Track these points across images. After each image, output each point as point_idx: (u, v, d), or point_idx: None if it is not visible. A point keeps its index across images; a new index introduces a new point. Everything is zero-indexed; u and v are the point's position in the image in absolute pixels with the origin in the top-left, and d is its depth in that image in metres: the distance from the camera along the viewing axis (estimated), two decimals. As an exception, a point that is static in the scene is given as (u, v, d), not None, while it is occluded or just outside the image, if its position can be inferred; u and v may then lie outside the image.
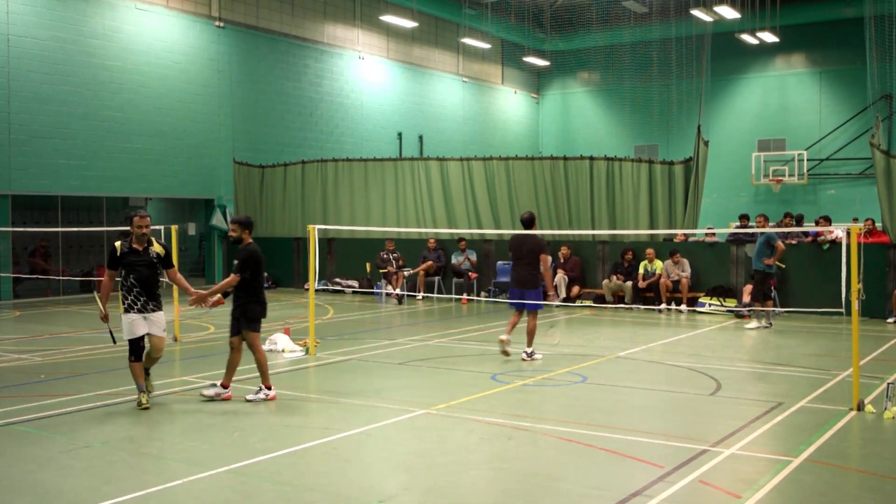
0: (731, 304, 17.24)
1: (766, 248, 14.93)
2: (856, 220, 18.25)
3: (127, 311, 8.74)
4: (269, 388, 9.09)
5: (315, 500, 6.01)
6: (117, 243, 8.84)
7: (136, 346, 8.80)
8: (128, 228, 9.11)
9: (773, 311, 15.41)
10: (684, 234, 18.51)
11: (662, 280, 17.68)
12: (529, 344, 11.68)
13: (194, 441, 7.48)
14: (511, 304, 12.08)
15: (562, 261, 19.02)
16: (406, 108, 31.92)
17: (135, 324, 8.74)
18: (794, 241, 17.27)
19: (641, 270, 18.10)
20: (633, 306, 17.39)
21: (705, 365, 11.32)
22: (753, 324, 15.09)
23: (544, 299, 12.03)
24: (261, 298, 9.13)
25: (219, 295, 9.22)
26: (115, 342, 9.38)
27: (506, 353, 11.70)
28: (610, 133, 36.76)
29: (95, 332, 14.38)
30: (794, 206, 31.54)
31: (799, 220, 20.47)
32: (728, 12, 27.78)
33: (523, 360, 11.54)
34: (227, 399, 9.01)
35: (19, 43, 20.12)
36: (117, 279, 8.97)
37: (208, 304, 9.15)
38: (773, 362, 11.62)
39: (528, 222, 12.02)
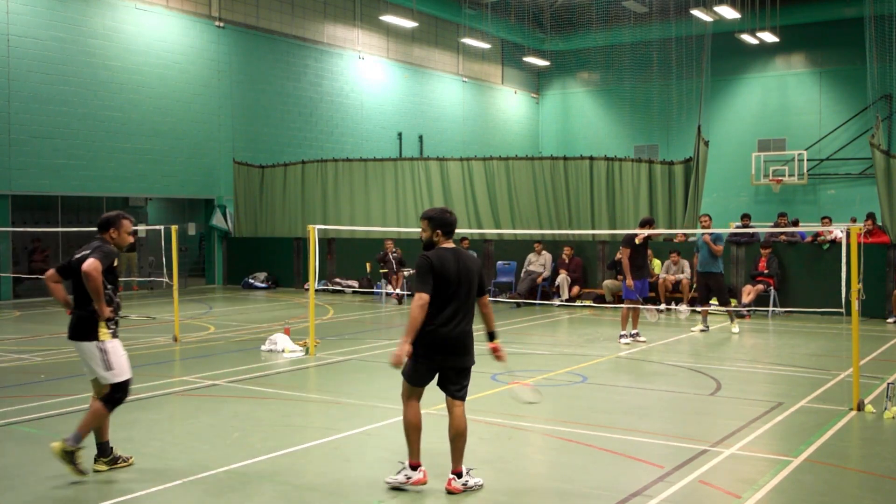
0: (731, 303, 17.22)
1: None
2: (871, 216, 18.01)
3: (114, 336, 6.62)
4: (413, 468, 6.19)
5: (315, 500, 6.01)
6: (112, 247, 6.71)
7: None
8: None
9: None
10: (684, 235, 18.49)
11: (662, 280, 17.67)
12: (622, 328, 13.33)
13: (194, 441, 7.48)
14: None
15: (566, 261, 19.00)
16: (406, 108, 31.92)
17: (127, 357, 6.69)
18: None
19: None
20: (633, 306, 17.35)
21: (705, 365, 11.32)
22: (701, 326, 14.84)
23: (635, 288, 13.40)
24: (429, 332, 6.06)
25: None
26: None
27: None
28: (610, 133, 36.75)
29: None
30: (794, 206, 31.56)
31: (795, 223, 20.49)
32: (728, 12, 27.78)
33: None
34: (420, 483, 6.20)
35: (19, 43, 20.12)
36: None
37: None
38: (773, 362, 11.62)
39: (640, 224, 13.56)
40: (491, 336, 6.40)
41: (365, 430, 7.83)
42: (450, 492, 6.08)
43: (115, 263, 6.63)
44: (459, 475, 6.12)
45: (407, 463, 6.20)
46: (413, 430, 6.16)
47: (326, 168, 23.60)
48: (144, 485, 6.25)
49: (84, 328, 6.48)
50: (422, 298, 5.96)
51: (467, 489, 6.11)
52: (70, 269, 6.60)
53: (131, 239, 6.76)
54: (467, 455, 6.90)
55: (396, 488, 6.14)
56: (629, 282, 13.21)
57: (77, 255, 6.56)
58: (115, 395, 6.51)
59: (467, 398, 6.34)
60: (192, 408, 8.79)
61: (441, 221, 6.22)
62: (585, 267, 19.29)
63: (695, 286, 15.10)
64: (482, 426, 7.92)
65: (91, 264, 6.33)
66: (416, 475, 6.14)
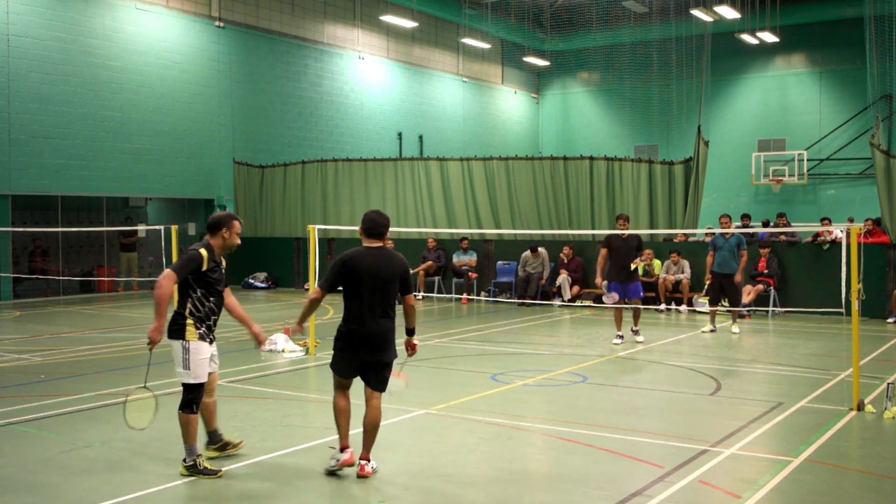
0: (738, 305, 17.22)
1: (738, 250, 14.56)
2: (870, 219, 17.91)
3: (202, 338, 6.55)
4: (341, 450, 6.59)
5: (315, 500, 6.02)
6: (203, 251, 6.54)
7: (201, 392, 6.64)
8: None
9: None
10: (684, 234, 18.50)
11: (662, 280, 17.66)
12: (617, 328, 13.44)
13: (194, 441, 7.48)
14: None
15: (565, 261, 18.99)
16: (406, 108, 31.92)
17: (207, 362, 6.62)
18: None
19: (641, 271, 18.03)
20: (633, 306, 17.37)
21: (705, 365, 11.33)
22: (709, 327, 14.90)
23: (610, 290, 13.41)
24: (342, 328, 6.67)
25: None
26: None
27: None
28: (610, 133, 36.74)
29: (95, 332, 14.40)
30: (793, 206, 31.57)
31: (765, 224, 20.38)
32: (728, 12, 27.78)
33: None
34: (347, 463, 6.55)
35: (19, 43, 20.12)
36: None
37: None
38: (773, 362, 11.62)
39: (616, 219, 13.75)
40: (409, 332, 6.70)
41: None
42: (363, 476, 6.40)
43: (204, 267, 6.46)
44: (369, 460, 6.51)
45: (338, 447, 6.55)
46: (340, 415, 6.54)
47: (326, 168, 23.61)
48: (144, 485, 6.25)
49: (174, 326, 6.53)
50: (316, 292, 6.79)
51: (374, 471, 6.52)
52: None
53: (238, 241, 6.69)
54: (468, 454, 6.91)
55: (342, 473, 6.35)
56: (598, 280, 13.50)
57: None
58: (186, 396, 6.53)
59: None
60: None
61: (363, 220, 6.68)
62: (585, 267, 19.28)
63: (707, 285, 14.97)
64: (482, 426, 7.92)
65: (162, 277, 6.37)
66: (344, 456, 6.48)
